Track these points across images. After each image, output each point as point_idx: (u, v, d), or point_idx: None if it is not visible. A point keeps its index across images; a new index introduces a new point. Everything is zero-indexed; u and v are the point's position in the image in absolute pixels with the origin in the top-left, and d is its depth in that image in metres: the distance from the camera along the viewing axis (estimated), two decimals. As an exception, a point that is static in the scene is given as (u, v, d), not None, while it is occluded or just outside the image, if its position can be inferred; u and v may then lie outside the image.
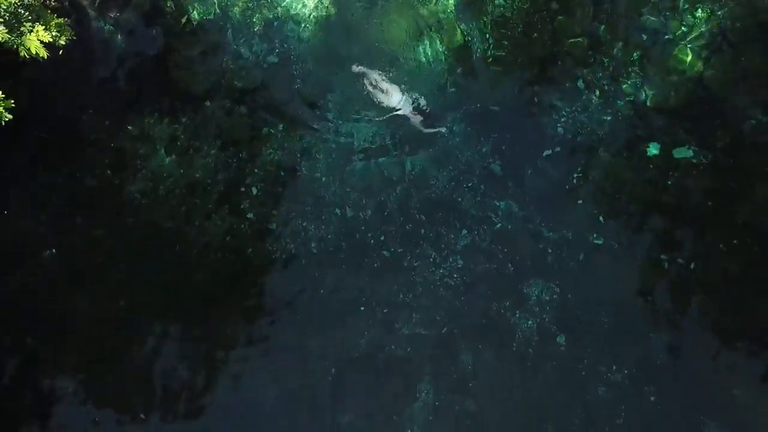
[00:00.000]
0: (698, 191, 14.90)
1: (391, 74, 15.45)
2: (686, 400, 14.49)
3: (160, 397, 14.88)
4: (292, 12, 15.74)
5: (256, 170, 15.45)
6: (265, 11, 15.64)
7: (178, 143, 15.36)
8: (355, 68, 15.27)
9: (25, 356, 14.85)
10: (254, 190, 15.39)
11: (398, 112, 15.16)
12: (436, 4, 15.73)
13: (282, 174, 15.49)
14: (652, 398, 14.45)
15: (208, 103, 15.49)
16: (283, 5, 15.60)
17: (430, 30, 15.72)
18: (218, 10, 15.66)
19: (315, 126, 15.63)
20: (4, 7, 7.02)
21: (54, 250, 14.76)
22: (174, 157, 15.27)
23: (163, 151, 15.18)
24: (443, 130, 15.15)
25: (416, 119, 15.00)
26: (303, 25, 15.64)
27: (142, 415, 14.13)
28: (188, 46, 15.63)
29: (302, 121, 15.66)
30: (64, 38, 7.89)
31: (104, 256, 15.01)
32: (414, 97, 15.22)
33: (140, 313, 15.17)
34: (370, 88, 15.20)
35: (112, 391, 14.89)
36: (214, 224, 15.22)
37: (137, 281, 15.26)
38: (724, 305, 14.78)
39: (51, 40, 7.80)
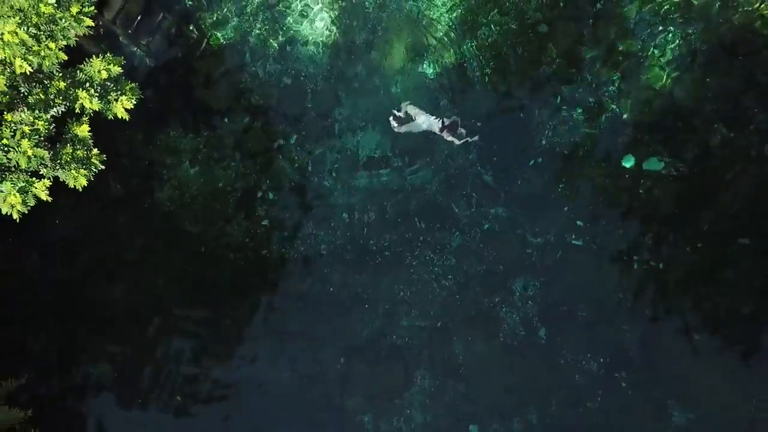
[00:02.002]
0: (667, 199, 16.33)
1: (392, 91, 16.88)
2: (654, 385, 16.01)
3: (186, 379, 16.80)
4: (303, 36, 17.12)
5: (270, 179, 17.04)
6: (278, 36, 17.12)
7: (201, 155, 17.00)
8: (397, 112, 16.36)
9: (67, 344, 16.67)
10: (269, 197, 17.05)
11: (429, 130, 16.00)
12: (430, 29, 17.08)
13: (294, 182, 17.04)
14: (623, 384, 15.99)
15: (227, 119, 17.09)
16: (294, 30, 17.07)
17: (426, 52, 17.06)
18: (237, 35, 17.15)
19: (324, 139, 17.13)
20: (97, 82, 8.95)
21: (92, 249, 16.62)
22: (197, 167, 16.95)
23: (187, 162, 16.85)
24: (476, 138, 15.99)
25: (447, 135, 15.74)
26: (313, 48, 17.08)
27: (178, 397, 16.16)
28: (210, 67, 17.17)
29: (312, 135, 17.07)
30: (135, 99, 9.59)
31: (137, 254, 16.80)
32: (442, 115, 15.81)
33: (168, 305, 16.93)
34: (399, 117, 16.16)
35: (144, 375, 16.78)
36: (233, 227, 16.94)
37: (166, 277, 16.99)
38: (689, 301, 16.20)
39: (131, 106, 9.61)
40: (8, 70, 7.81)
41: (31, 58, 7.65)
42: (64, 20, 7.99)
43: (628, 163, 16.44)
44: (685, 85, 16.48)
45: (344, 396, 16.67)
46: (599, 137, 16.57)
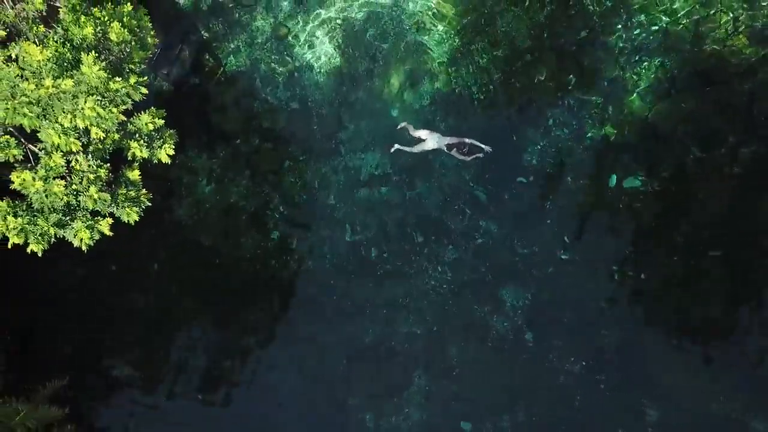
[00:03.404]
0: (646, 214, 17.89)
1: (392, 114, 18.39)
2: (630, 385, 17.70)
3: (201, 379, 18.42)
4: (310, 65, 18.59)
5: (280, 196, 18.57)
6: (287, 64, 18.63)
7: (216, 174, 18.53)
8: (399, 127, 17.44)
9: (97, 348, 18.34)
10: (278, 213, 18.62)
11: (437, 148, 16.94)
12: (427, 58, 18.54)
13: (301, 199, 18.56)
14: (602, 385, 17.73)
15: (240, 141, 18.63)
16: (301, 59, 18.60)
17: (423, 78, 18.48)
18: (249, 64, 18.64)
19: (329, 159, 18.57)
20: (145, 132, 11.08)
21: (119, 262, 18.18)
22: (212, 185, 18.52)
23: (203, 180, 18.42)
24: (481, 155, 16.82)
25: (457, 153, 16.70)
26: (318, 75, 18.58)
27: (199, 396, 17.98)
28: (224, 93, 18.65)
29: (318, 155, 18.49)
30: (173, 143, 11.59)
31: (159, 265, 18.43)
32: (446, 136, 16.90)
33: (186, 312, 18.55)
34: (408, 132, 17.12)
35: (164, 375, 18.42)
36: (245, 240, 18.53)
37: (184, 286, 18.59)
38: (664, 309, 17.91)
39: (172, 152, 11.72)
40: (84, 135, 10.03)
41: (103, 125, 9.84)
42: (125, 89, 10.17)
43: (611, 181, 18.04)
44: (662, 110, 18.05)
45: (347, 396, 18.25)
46: (583, 157, 18.11)
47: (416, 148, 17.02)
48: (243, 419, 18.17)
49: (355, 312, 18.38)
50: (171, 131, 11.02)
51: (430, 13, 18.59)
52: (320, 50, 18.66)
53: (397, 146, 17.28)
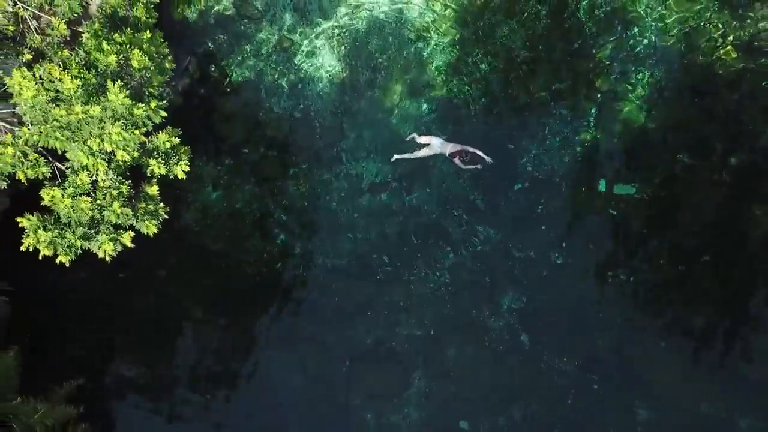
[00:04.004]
0: (637, 219, 18.54)
1: (392, 124, 19.18)
2: (622, 386, 18.22)
3: (208, 379, 19.01)
4: (313, 76, 19.39)
5: (284, 202, 19.22)
6: (291, 75, 19.40)
7: (222, 181, 19.24)
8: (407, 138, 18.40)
9: (107, 350, 19.05)
10: (283, 218, 19.35)
11: (439, 153, 17.87)
12: (426, 69, 19.37)
13: (305, 205, 19.21)
14: (595, 385, 18.25)
15: (245, 149, 19.40)
16: (305, 70, 19.41)
17: (423, 89, 19.16)
18: (253, 75, 19.42)
19: (331, 166, 19.18)
20: (163, 150, 12.09)
21: (128, 267, 18.57)
22: (219, 192, 19.24)
23: (210, 187, 19.16)
24: (480, 166, 17.68)
25: (457, 160, 17.50)
26: (321, 86, 19.34)
27: (208, 396, 18.67)
28: (230, 103, 19.41)
29: (321, 163, 19.19)
30: (188, 160, 12.62)
31: (167, 269, 19.12)
32: (450, 143, 17.74)
33: (193, 314, 19.20)
34: (415, 141, 18.02)
35: (172, 375, 19.06)
36: (251, 245, 19.22)
37: (192, 289, 19.21)
38: (655, 311, 18.50)
39: (188, 169, 12.74)
40: (112, 158, 11.09)
41: (127, 147, 10.90)
42: (146, 113, 11.22)
43: (602, 187, 18.81)
44: (654, 119, 18.83)
45: (349, 395, 18.76)
46: (577, 164, 18.85)
47: (419, 153, 17.83)
48: (248, 418, 18.66)
49: (357, 314, 18.96)
50: (186, 148, 12.00)
51: (430, 25, 19.43)
52: (323, 61, 19.48)
53: (396, 156, 18.25)
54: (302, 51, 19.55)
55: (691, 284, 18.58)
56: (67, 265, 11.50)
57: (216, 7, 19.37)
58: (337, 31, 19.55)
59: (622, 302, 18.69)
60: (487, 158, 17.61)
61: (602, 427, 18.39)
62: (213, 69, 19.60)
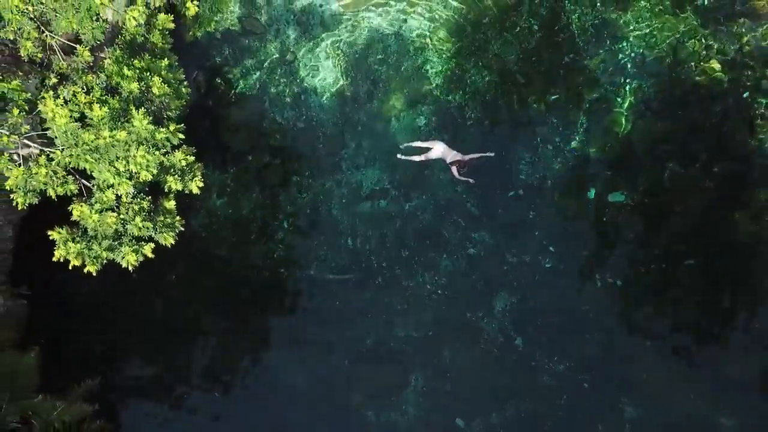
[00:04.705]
0: (625, 226, 19.44)
1: (391, 133, 20.20)
2: (610, 386, 19.09)
3: (214, 378, 19.93)
4: (315, 87, 20.43)
5: (287, 209, 20.17)
6: (294, 87, 20.44)
7: (228, 188, 20.14)
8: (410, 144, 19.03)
9: (121, 351, 20.07)
10: (286, 224, 20.22)
11: (440, 158, 18.17)
12: (424, 81, 20.43)
13: (307, 212, 20.15)
14: (585, 385, 19.12)
15: (250, 158, 20.24)
16: (307, 82, 20.47)
17: (420, 100, 20.14)
18: (258, 86, 20.43)
19: (332, 174, 20.12)
20: (179, 168, 13.43)
21: (140, 271, 19.14)
22: (225, 199, 20.13)
23: (216, 194, 20.05)
24: (472, 181, 18.20)
25: (454, 169, 17.79)
26: (323, 97, 20.36)
27: (216, 393, 19.70)
28: (235, 114, 20.34)
29: (323, 171, 20.14)
30: (201, 176, 13.96)
31: (175, 274, 20.08)
32: (452, 151, 18.01)
33: (201, 317, 20.15)
34: (419, 147, 18.58)
35: (178, 373, 20.03)
36: (255, 250, 20.21)
37: (199, 292, 20.09)
38: (642, 314, 19.40)
39: (202, 185, 13.95)
40: (134, 176, 12.49)
41: (150, 168, 12.30)
42: (166, 136, 12.62)
43: (591, 194, 19.81)
44: (641, 128, 19.71)
45: (350, 394, 19.59)
46: (568, 173, 19.77)
47: (422, 156, 18.40)
48: (254, 415, 19.47)
49: (357, 317, 19.86)
50: (199, 164, 13.35)
51: (427, 39, 20.52)
52: (324, 74, 20.54)
53: (401, 156, 19.13)
54: (304, 64, 20.58)
55: (677, 287, 19.45)
56: (94, 274, 12.76)
57: (222, 23, 20.44)
58: (338, 45, 20.61)
59: (610, 305, 19.52)
60: (488, 153, 18.19)
61: (591, 424, 19.19)
62: (219, 81, 20.59)
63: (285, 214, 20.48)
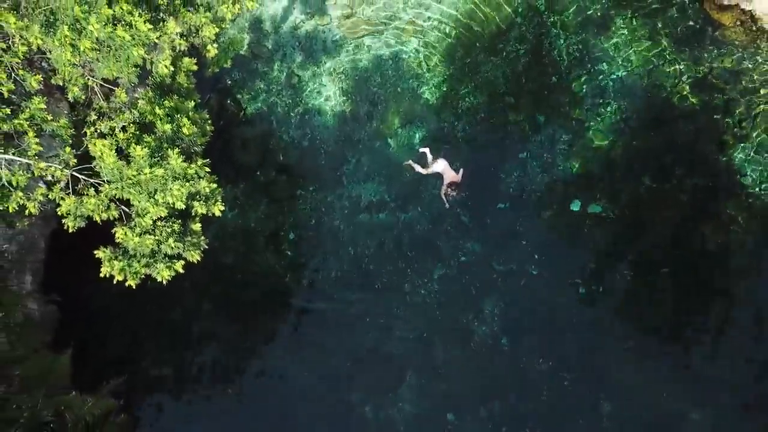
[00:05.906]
0: (605, 236, 21.10)
1: (389, 150, 22.44)
2: (590, 383, 20.33)
3: (223, 378, 21.48)
4: (318, 108, 22.62)
5: (292, 220, 22.17)
6: (299, 108, 22.70)
7: (238, 201, 22.23)
8: (418, 152, 20.63)
9: (139, 352, 21.98)
10: (291, 235, 22.25)
11: (440, 173, 19.59)
12: (419, 101, 22.61)
13: (311, 223, 22.10)
14: (565, 382, 20.46)
15: (259, 173, 22.43)
16: (311, 103, 22.77)
17: (416, 119, 22.28)
18: (266, 107, 22.75)
19: (334, 188, 22.11)
20: (203, 194, 15.59)
21: (155, 280, 20.84)
22: (235, 211, 22.22)
23: (226, 207, 20.94)
24: (448, 206, 19.89)
25: (445, 185, 19.32)
26: (326, 117, 22.57)
27: (229, 390, 21.61)
28: (244, 132, 22.55)
29: (326, 185, 22.10)
30: (222, 199, 16.57)
31: (187, 282, 21.25)
32: (453, 166, 19.63)
33: (211, 321, 21.90)
34: (426, 158, 19.93)
35: (192, 374, 21.76)
36: (262, 259, 22.11)
37: (209, 300, 22.01)
38: (621, 318, 20.78)
39: (223, 208, 16.18)
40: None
41: (183, 198, 15.08)
42: (195, 171, 15.42)
43: (575, 207, 21.50)
44: (620, 145, 21.53)
45: (349, 392, 20.91)
46: (553, 186, 21.62)
47: (425, 169, 19.90)
48: (259, 411, 20.94)
49: (356, 320, 21.38)
50: (220, 189, 16.01)
51: (422, 63, 22.80)
52: (327, 95, 22.91)
53: (408, 162, 20.93)
54: (309, 86, 22.97)
55: (653, 292, 20.82)
56: (134, 287, 15.43)
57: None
58: (340, 69, 22.93)
59: (591, 309, 20.94)
60: (461, 172, 19.73)
61: (572, 419, 20.39)
62: (230, 102, 22.98)
63: (290, 224, 22.32)
